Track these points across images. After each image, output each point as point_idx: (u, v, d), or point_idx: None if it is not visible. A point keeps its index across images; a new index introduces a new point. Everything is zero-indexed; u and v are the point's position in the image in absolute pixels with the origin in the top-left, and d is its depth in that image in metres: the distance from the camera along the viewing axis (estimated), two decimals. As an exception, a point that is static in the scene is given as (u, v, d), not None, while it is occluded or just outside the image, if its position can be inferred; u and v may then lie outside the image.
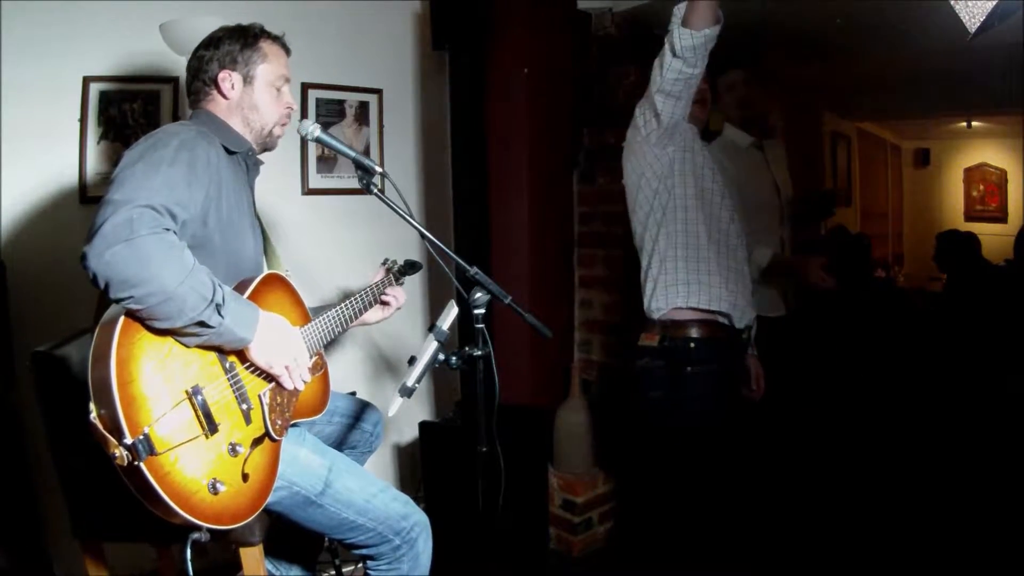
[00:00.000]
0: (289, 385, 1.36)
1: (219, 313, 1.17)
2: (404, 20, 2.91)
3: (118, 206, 1.10)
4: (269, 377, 1.35)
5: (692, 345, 1.94)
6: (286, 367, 1.33)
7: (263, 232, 1.59)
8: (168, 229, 1.14)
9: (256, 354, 1.28)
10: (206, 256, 1.32)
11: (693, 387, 1.94)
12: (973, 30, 1.25)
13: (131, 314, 1.12)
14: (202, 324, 1.15)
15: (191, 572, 1.23)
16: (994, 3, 1.22)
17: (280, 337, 1.31)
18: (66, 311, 1.83)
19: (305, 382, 1.40)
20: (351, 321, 1.68)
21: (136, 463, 1.06)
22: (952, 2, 1.26)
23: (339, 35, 2.70)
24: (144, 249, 1.08)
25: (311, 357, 1.47)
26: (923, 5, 2.27)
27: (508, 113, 2.65)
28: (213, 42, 1.48)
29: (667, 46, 1.77)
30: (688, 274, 1.94)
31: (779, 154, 2.65)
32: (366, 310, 1.75)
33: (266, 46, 1.51)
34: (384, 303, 1.83)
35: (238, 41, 1.48)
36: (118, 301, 1.09)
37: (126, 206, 1.10)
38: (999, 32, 1.31)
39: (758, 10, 2.46)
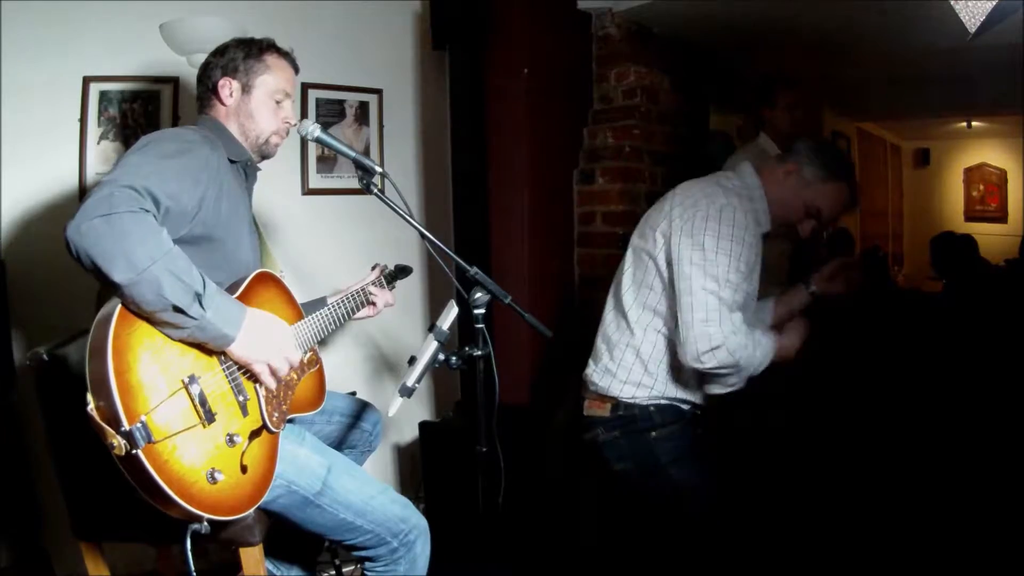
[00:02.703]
0: (268, 381, 1.33)
1: (200, 304, 1.16)
2: (404, 20, 2.91)
3: (103, 186, 1.13)
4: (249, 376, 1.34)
5: (652, 409, 1.75)
6: (267, 364, 1.30)
7: (260, 236, 1.60)
8: (147, 211, 1.15)
9: (236, 350, 1.26)
10: (205, 257, 1.33)
11: (665, 452, 1.75)
12: (973, 30, 1.25)
13: (125, 304, 1.13)
14: (181, 312, 1.14)
15: (191, 563, 1.23)
16: (994, 3, 1.22)
17: (265, 334, 1.30)
18: (66, 311, 1.83)
19: (292, 377, 1.38)
20: (343, 320, 1.68)
21: (134, 451, 1.07)
22: (952, 2, 1.26)
23: (339, 35, 2.70)
24: (119, 225, 1.10)
25: (305, 353, 1.49)
26: (923, 5, 2.28)
27: (508, 113, 2.65)
28: (220, 50, 1.53)
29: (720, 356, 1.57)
30: (665, 371, 1.75)
31: None
32: (358, 309, 1.77)
33: (271, 59, 1.54)
34: (371, 303, 1.84)
35: (242, 50, 1.52)
36: (99, 277, 1.11)
37: (109, 185, 1.13)
38: (999, 32, 1.31)
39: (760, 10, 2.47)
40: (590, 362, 1.88)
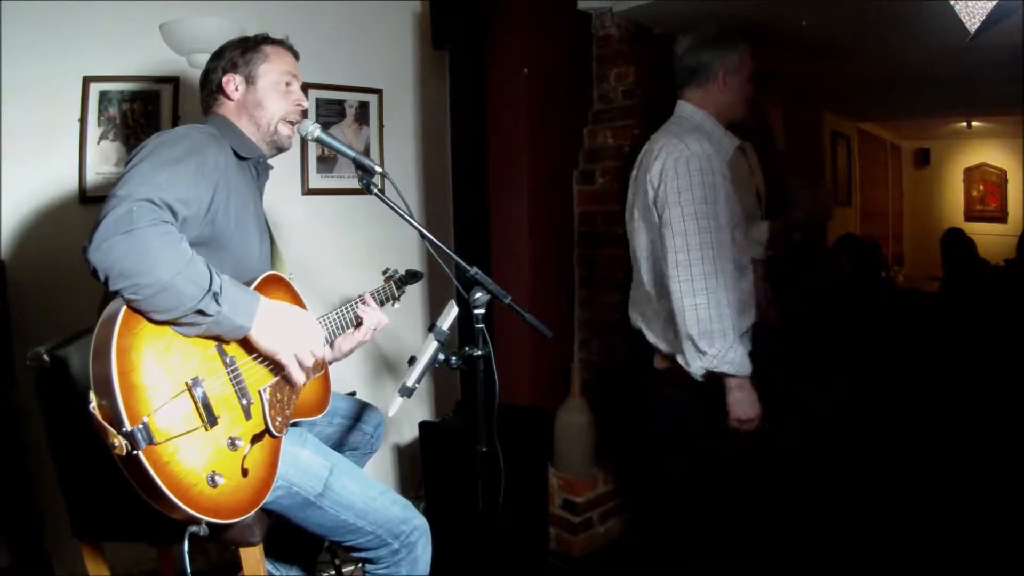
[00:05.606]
0: (298, 375, 1.33)
1: (216, 301, 1.17)
2: (404, 20, 2.91)
3: (120, 200, 1.13)
4: (272, 371, 1.34)
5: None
6: (294, 355, 1.31)
7: (271, 237, 1.60)
8: (167, 222, 1.16)
9: (261, 341, 1.27)
10: (213, 257, 1.32)
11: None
12: (973, 30, 1.25)
13: (132, 306, 1.13)
14: (200, 313, 1.16)
15: (188, 565, 1.23)
16: (994, 3, 1.21)
17: (287, 324, 1.30)
18: (66, 311, 1.83)
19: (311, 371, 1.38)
20: (351, 325, 1.67)
21: (135, 452, 1.07)
22: (952, 2, 1.26)
23: (339, 35, 2.70)
24: (142, 241, 1.10)
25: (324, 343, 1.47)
26: (923, 5, 2.27)
27: (508, 113, 2.65)
28: (217, 54, 1.55)
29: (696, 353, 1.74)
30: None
31: (755, 158, 2.63)
32: (358, 319, 1.74)
33: (268, 48, 1.56)
34: (357, 326, 1.73)
35: (239, 48, 1.55)
36: (117, 292, 1.11)
37: (127, 200, 1.13)
38: (999, 32, 1.31)
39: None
40: (657, 345, 1.95)
